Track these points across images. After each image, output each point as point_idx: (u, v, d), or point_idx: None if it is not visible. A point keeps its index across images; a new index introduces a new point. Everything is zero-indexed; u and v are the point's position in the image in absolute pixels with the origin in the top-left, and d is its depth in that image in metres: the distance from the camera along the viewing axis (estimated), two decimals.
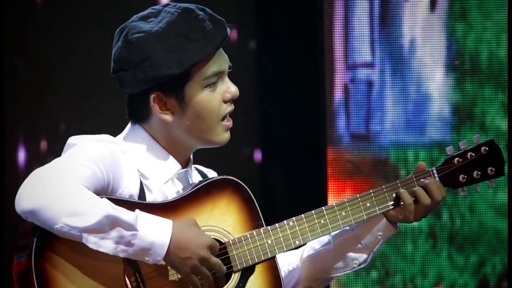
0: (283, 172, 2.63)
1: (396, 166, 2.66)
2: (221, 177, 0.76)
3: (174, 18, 0.68)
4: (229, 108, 0.74)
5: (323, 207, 0.76)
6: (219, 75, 0.72)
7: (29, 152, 2.56)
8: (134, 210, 0.58)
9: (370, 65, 2.61)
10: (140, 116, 0.74)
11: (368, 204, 0.75)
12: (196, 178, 0.80)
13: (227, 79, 0.74)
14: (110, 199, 0.59)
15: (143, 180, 0.69)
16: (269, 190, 2.62)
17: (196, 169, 0.84)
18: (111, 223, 0.54)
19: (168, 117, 0.70)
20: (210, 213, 0.69)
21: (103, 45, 2.09)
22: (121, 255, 0.56)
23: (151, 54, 0.66)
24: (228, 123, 0.74)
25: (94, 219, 0.52)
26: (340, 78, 2.56)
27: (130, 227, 0.55)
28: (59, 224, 0.52)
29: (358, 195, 0.76)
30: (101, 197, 0.57)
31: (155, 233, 0.56)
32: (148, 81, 0.68)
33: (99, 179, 0.60)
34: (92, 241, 0.54)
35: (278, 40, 2.68)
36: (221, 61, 0.72)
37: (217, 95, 0.71)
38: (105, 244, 0.54)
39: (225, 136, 0.74)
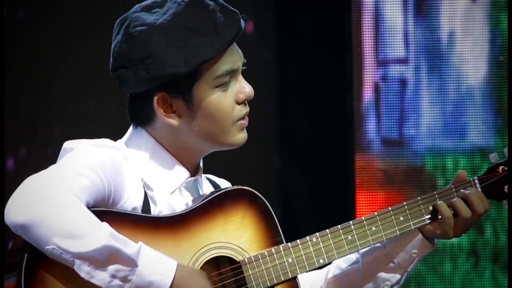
0: (305, 182, 2.52)
1: (433, 175, 2.51)
2: (235, 187, 0.71)
3: (181, 9, 0.64)
4: (244, 110, 0.69)
5: (350, 221, 0.71)
6: (231, 73, 0.67)
7: (18, 158, 2.45)
8: (137, 225, 0.58)
9: (403, 61, 2.51)
10: (143, 118, 0.69)
11: (401, 218, 0.71)
12: (206, 188, 0.76)
13: (241, 78, 0.70)
14: (111, 212, 0.58)
15: (147, 191, 0.65)
16: (289, 202, 2.50)
17: (207, 178, 0.80)
18: (110, 254, 0.50)
19: (173, 121, 0.66)
20: (223, 228, 0.65)
21: (101, 39, 2.04)
22: None
23: (155, 50, 0.62)
24: (244, 121, 0.69)
25: (91, 246, 0.49)
26: (369, 75, 2.47)
27: (130, 261, 0.52)
28: (50, 245, 0.49)
29: (390, 208, 0.72)
30: (102, 212, 0.56)
31: (156, 272, 0.53)
32: (151, 80, 0.63)
33: (99, 190, 0.57)
34: (85, 271, 0.51)
35: (300, 33, 2.53)
36: (234, 58, 0.68)
37: (229, 96, 0.67)
38: (98, 276, 0.51)
39: (241, 136, 0.69)
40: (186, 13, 0.63)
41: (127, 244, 0.53)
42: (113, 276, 0.51)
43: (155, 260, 0.54)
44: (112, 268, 0.51)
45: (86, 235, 0.50)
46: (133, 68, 0.62)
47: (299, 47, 2.51)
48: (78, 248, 0.49)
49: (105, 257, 0.50)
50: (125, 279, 0.52)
